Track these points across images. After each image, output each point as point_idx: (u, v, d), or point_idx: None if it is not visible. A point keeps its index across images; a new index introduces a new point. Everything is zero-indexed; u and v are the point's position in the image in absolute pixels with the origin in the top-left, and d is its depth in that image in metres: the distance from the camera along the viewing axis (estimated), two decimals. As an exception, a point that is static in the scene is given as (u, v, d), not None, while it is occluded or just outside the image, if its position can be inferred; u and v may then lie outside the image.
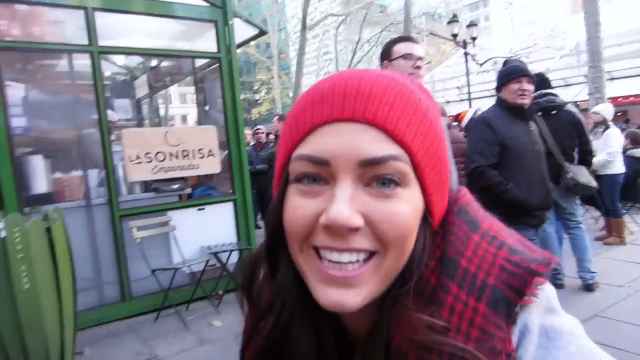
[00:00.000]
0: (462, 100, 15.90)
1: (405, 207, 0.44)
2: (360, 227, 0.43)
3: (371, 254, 0.44)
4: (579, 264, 4.05)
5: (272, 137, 6.89)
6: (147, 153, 4.18)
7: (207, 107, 5.52)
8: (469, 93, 10.45)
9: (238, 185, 4.75)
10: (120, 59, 5.94)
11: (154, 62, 5.74)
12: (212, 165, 4.59)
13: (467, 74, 10.76)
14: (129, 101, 5.41)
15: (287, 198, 0.47)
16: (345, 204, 0.42)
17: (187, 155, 4.40)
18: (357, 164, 0.43)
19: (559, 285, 4.08)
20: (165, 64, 5.81)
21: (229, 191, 4.79)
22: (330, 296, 0.44)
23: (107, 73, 5.69)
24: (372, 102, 0.44)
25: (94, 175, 4.22)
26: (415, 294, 0.45)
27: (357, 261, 0.44)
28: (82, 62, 4.17)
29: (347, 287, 0.44)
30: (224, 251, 4.37)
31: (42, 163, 4.06)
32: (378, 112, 0.44)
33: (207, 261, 4.20)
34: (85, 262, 3.87)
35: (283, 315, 0.50)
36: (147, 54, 5.13)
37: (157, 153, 4.23)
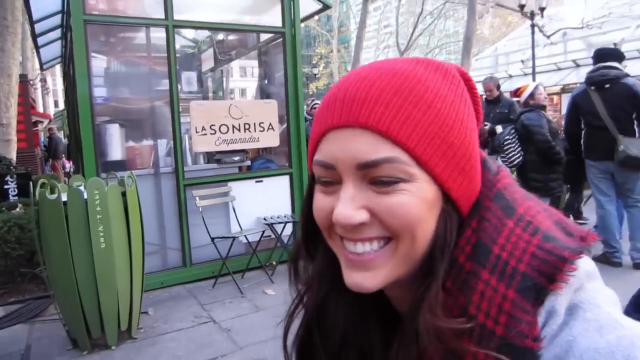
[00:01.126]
0: (525, 74, 15.07)
1: (408, 199, 0.46)
2: (365, 222, 0.47)
3: (388, 240, 0.48)
4: (631, 242, 4.00)
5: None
6: (211, 125, 4.34)
7: (267, 81, 5.61)
8: (533, 67, 9.87)
9: (295, 159, 4.84)
10: (189, 33, 6.13)
11: (220, 36, 5.87)
12: (271, 139, 4.70)
13: (533, 46, 10.12)
14: (196, 74, 5.59)
15: (315, 193, 0.53)
16: (347, 204, 0.47)
17: (248, 128, 4.53)
18: (355, 167, 0.47)
19: (616, 264, 3.97)
20: (231, 37, 5.92)
21: (286, 164, 4.89)
22: (351, 278, 0.49)
23: (177, 46, 5.89)
24: (366, 106, 0.47)
25: (163, 145, 4.45)
26: (450, 278, 0.47)
27: (372, 250, 0.48)
28: (158, 35, 4.35)
29: (364, 270, 0.48)
30: (279, 222, 4.50)
31: (118, 132, 4.33)
32: (371, 116, 0.46)
33: (263, 232, 4.35)
34: (152, 228, 4.12)
35: (320, 294, 0.56)
36: (216, 28, 5.25)
37: (221, 125, 4.38)
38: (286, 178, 4.86)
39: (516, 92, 4.63)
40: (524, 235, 0.46)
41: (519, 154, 4.36)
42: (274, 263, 4.64)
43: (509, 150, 4.41)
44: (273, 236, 4.53)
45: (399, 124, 0.46)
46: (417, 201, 0.47)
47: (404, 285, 0.51)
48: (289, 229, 4.71)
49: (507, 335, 0.43)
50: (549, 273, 0.44)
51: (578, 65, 16.75)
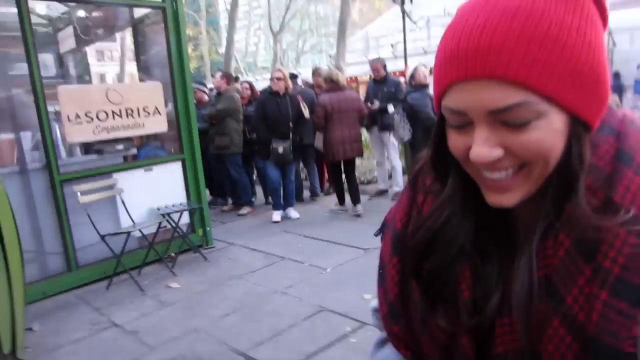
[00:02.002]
0: (395, 57, 16.11)
1: (541, 134, 0.50)
2: (500, 156, 0.51)
3: (521, 165, 0.52)
4: None
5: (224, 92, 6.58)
6: (87, 112, 3.87)
7: (148, 62, 5.17)
8: (405, 50, 10.61)
9: (187, 144, 4.56)
10: (47, 8, 5.35)
11: (87, 12, 5.23)
12: (158, 124, 4.36)
13: (405, 31, 10.86)
14: (58, 55, 4.93)
15: (448, 132, 0.57)
16: (482, 145, 0.51)
17: (131, 114, 4.14)
18: (486, 113, 0.50)
19: None
20: (100, 13, 5.31)
21: (177, 150, 4.59)
22: (491, 198, 0.56)
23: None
24: (492, 58, 0.48)
25: (28, 138, 3.87)
26: (590, 178, 0.52)
27: (507, 175, 0.53)
28: (7, 10, 3.71)
29: (502, 192, 0.54)
30: (175, 212, 4.25)
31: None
32: (498, 67, 0.48)
33: (160, 223, 4.06)
34: (25, 233, 3.58)
35: (451, 207, 0.61)
36: (83, 1, 4.65)
37: (99, 112, 3.94)
38: (178, 164, 4.57)
39: (403, 72, 4.91)
40: None
41: (408, 132, 4.65)
42: (173, 255, 4.37)
43: (399, 128, 4.69)
44: (169, 227, 4.25)
45: (526, 69, 0.47)
46: (549, 134, 0.50)
47: (535, 199, 0.55)
48: (185, 217, 4.46)
49: None
50: None
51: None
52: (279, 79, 5.24)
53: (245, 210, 6.12)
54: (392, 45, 19.23)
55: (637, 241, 0.48)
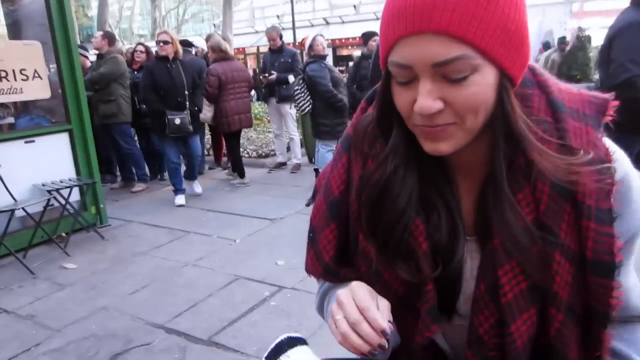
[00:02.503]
0: (283, 29, 16.12)
1: (477, 89, 0.57)
2: (441, 109, 0.58)
3: (452, 123, 0.60)
4: None
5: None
6: (-50, 72, 3.32)
7: (22, 18, 4.52)
8: (293, 22, 10.66)
9: (74, 112, 4.15)
10: None
11: None
12: (39, 90, 3.89)
13: (292, 2, 10.90)
14: None
15: (394, 89, 0.63)
16: (426, 97, 0.57)
17: (5, 77, 3.63)
18: (431, 66, 0.56)
19: None
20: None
21: (63, 120, 4.15)
22: (429, 147, 0.63)
23: None
24: (436, 13, 0.53)
25: None
26: (540, 129, 0.61)
27: (443, 127, 0.60)
28: None
29: (438, 141, 0.61)
30: (64, 188, 3.88)
31: None
32: (442, 21, 0.53)
33: (48, 200, 3.68)
34: None
35: (394, 162, 0.67)
36: None
37: (-34, 73, 3.39)
38: (64, 136, 4.14)
39: (301, 43, 4.94)
40: (575, 91, 0.67)
41: (308, 103, 4.74)
42: (64, 235, 4.00)
43: (299, 99, 4.75)
44: (57, 204, 3.88)
45: (466, 24, 0.53)
46: (484, 89, 0.57)
47: (471, 150, 0.64)
48: (76, 194, 4.10)
49: (597, 157, 0.61)
50: (602, 110, 0.65)
51: (328, 23, 18.72)
52: (165, 42, 4.70)
53: (139, 186, 5.77)
54: (278, 17, 19.12)
55: (599, 177, 0.60)
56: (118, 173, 6.18)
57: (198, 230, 4.23)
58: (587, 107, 0.65)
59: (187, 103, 4.86)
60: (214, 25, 24.94)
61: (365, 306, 0.62)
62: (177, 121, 4.76)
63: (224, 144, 6.31)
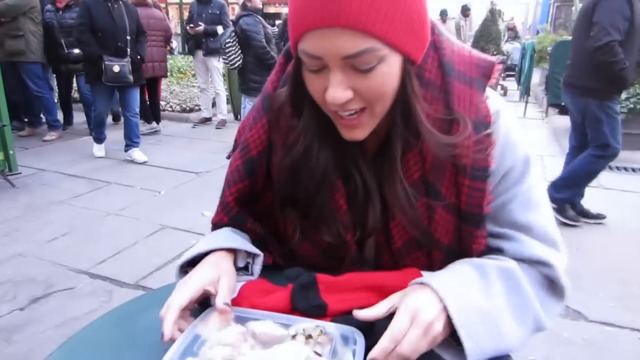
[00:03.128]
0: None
1: (383, 79, 0.61)
2: (350, 98, 0.62)
3: (363, 109, 0.64)
4: None
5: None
6: None
7: None
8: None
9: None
10: None
11: None
12: None
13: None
14: None
15: (305, 74, 0.65)
16: (336, 87, 0.60)
17: None
18: (341, 58, 0.59)
19: None
20: None
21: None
22: (346, 135, 0.68)
23: None
24: (344, 7, 0.55)
25: None
26: (429, 93, 0.67)
27: (356, 113, 0.64)
28: None
29: (353, 129, 0.67)
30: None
31: None
32: (350, 16, 0.55)
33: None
34: None
35: (307, 139, 0.71)
36: None
37: None
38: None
39: None
40: (465, 54, 0.71)
41: (239, 57, 4.65)
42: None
43: (230, 53, 4.65)
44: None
45: (372, 18, 0.56)
46: (389, 77, 0.62)
47: (381, 127, 0.70)
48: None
49: (477, 119, 0.68)
50: (487, 73, 0.70)
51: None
52: None
53: (51, 135, 5.41)
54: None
55: (476, 137, 0.67)
56: (26, 120, 5.74)
57: (120, 181, 4.13)
58: (474, 70, 0.70)
59: (129, 50, 4.47)
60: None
61: (168, 303, 0.68)
62: (116, 68, 4.34)
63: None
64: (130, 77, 4.48)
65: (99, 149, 4.86)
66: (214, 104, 6.47)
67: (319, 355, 0.60)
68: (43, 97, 5.27)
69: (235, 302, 0.72)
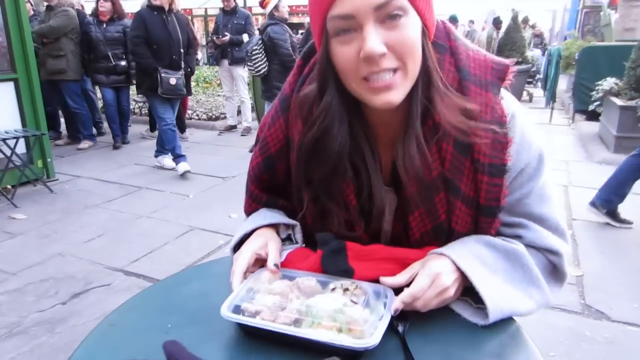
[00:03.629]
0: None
1: (410, 31, 0.67)
2: (385, 52, 0.65)
3: (396, 70, 0.68)
4: None
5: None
6: None
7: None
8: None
9: (20, 61, 4.02)
10: None
11: None
12: (-18, 35, 3.74)
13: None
14: None
15: (333, 49, 0.69)
16: (373, 39, 0.64)
17: (-54, 19, 3.46)
18: (372, 10, 0.63)
19: None
20: None
21: (8, 69, 4.01)
22: (378, 101, 0.69)
23: None
24: None
25: None
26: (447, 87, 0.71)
27: (390, 75, 0.67)
28: None
29: (388, 91, 0.68)
30: (11, 138, 3.80)
31: None
32: None
33: (-8, 150, 3.60)
34: None
35: (328, 118, 0.74)
36: None
37: None
38: (9, 85, 4.01)
39: (262, 4, 4.91)
40: (481, 58, 0.76)
41: (264, 64, 4.79)
42: (9, 187, 3.94)
43: (256, 60, 4.78)
44: (2, 156, 3.80)
45: None
46: (414, 31, 0.67)
47: (396, 117, 0.75)
48: (22, 147, 4.01)
49: (493, 119, 0.72)
50: (502, 76, 0.75)
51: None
52: None
53: (85, 144, 5.67)
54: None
55: (494, 136, 0.72)
56: (62, 130, 6.03)
57: (150, 186, 4.29)
58: (489, 73, 0.74)
59: (182, 63, 4.46)
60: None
61: (232, 270, 0.77)
62: (173, 81, 4.29)
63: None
64: (184, 90, 4.49)
65: (182, 166, 4.52)
66: (239, 112, 6.64)
67: (355, 303, 0.68)
68: (80, 113, 5.54)
69: (282, 266, 0.80)
